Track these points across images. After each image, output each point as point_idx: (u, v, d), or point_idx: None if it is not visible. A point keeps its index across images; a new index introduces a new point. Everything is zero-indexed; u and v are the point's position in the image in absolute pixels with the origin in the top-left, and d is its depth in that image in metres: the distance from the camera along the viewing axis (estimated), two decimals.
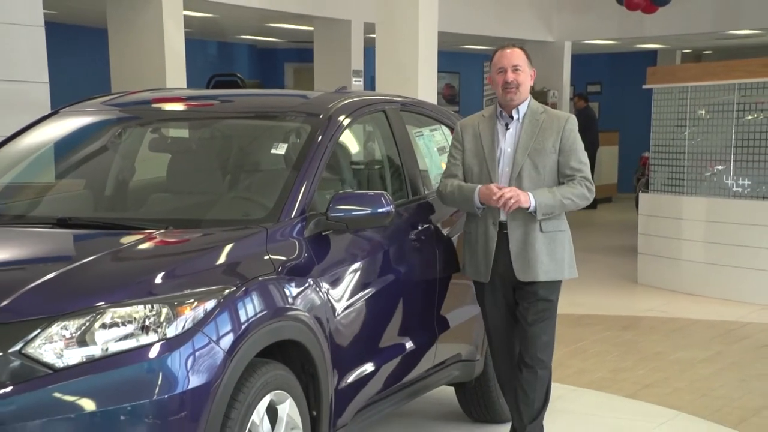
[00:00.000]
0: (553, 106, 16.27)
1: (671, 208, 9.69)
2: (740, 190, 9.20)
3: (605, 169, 18.31)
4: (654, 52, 19.35)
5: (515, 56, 4.48)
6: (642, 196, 10.40)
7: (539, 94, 16.23)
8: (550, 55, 16.51)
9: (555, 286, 4.57)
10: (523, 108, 4.50)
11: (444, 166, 4.82)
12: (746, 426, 5.50)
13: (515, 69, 4.45)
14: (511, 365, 4.67)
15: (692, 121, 9.65)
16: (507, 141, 4.48)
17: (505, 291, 4.57)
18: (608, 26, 15.65)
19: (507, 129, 4.50)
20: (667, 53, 19.36)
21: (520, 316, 4.56)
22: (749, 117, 9.13)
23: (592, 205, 17.27)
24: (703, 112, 9.57)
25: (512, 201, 4.27)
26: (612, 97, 19.80)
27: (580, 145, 4.52)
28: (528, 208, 4.32)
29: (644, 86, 10.22)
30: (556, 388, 6.04)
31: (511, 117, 4.50)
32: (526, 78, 4.48)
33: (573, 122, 4.51)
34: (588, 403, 5.89)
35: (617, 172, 18.85)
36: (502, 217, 4.41)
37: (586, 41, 16.88)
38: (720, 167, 9.37)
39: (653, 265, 9.90)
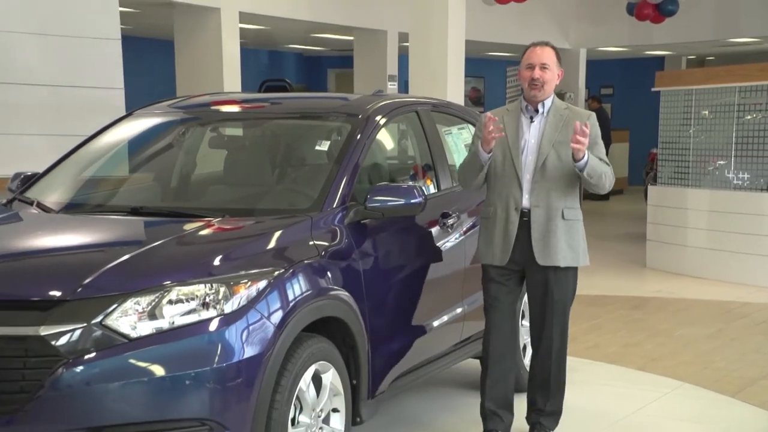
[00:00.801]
0: None
1: (677, 199, 9.63)
2: (740, 182, 9.14)
3: (617, 164, 18.07)
4: (661, 58, 19.17)
5: (545, 55, 4.28)
6: (650, 189, 10.34)
7: (557, 96, 16.11)
8: (567, 60, 16.32)
9: (570, 276, 4.34)
10: (548, 103, 4.31)
11: None
12: (744, 395, 5.47)
13: (543, 67, 4.25)
14: (503, 357, 4.41)
15: (696, 120, 9.57)
16: (531, 133, 4.28)
17: (516, 277, 4.36)
18: (620, 35, 15.53)
19: (532, 122, 4.30)
20: (674, 59, 19.18)
21: (535, 311, 4.39)
22: (748, 117, 9.07)
23: (605, 197, 17.24)
24: (707, 112, 9.51)
25: (582, 144, 4.03)
26: (623, 98, 19.65)
27: (601, 139, 4.35)
28: (582, 158, 4.06)
29: (653, 89, 10.15)
30: (572, 361, 6.02)
31: (537, 111, 4.30)
32: (552, 77, 4.29)
33: (594, 118, 4.33)
34: (601, 375, 5.87)
35: (628, 167, 18.69)
36: (525, 204, 4.22)
37: (600, 48, 16.75)
38: (722, 162, 9.32)
39: (661, 250, 9.84)
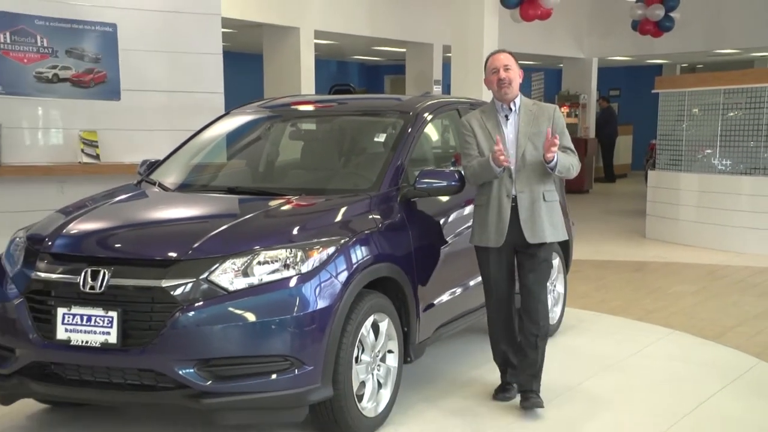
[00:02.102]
0: (584, 106, 15.93)
1: (672, 182, 9.47)
2: (723, 168, 9.00)
3: (623, 152, 17.90)
4: (660, 65, 18.76)
5: (506, 59, 3.99)
6: (650, 173, 10.18)
7: (573, 97, 15.89)
8: (582, 68, 16.15)
9: (552, 248, 4.10)
10: (518, 102, 4.00)
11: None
12: (722, 339, 5.41)
13: (506, 68, 3.95)
14: (506, 323, 4.13)
15: (688, 117, 9.42)
16: (509, 128, 3.99)
17: (508, 256, 4.03)
18: (625, 46, 15.25)
19: (507, 119, 4.01)
20: (670, 66, 18.79)
21: (523, 278, 4.01)
22: (731, 114, 8.94)
23: (612, 179, 17.04)
24: (697, 110, 9.38)
25: (554, 151, 3.79)
26: (628, 99, 19.26)
27: (566, 129, 4.06)
28: (551, 161, 3.83)
29: (653, 91, 9.99)
30: (583, 313, 6.03)
31: (510, 109, 4.01)
32: (515, 75, 3.97)
33: (558, 110, 4.05)
34: (607, 324, 5.81)
35: (632, 155, 18.39)
36: (513, 191, 3.94)
37: (609, 57, 16.46)
38: (709, 151, 9.18)
39: (658, 223, 9.70)
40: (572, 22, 15.19)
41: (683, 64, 19.06)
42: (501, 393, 4.17)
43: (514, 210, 3.95)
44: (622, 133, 17.37)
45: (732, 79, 9.03)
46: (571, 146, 4.05)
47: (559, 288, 5.41)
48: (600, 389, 4.41)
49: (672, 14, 12.65)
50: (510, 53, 4.05)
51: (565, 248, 5.41)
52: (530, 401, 3.96)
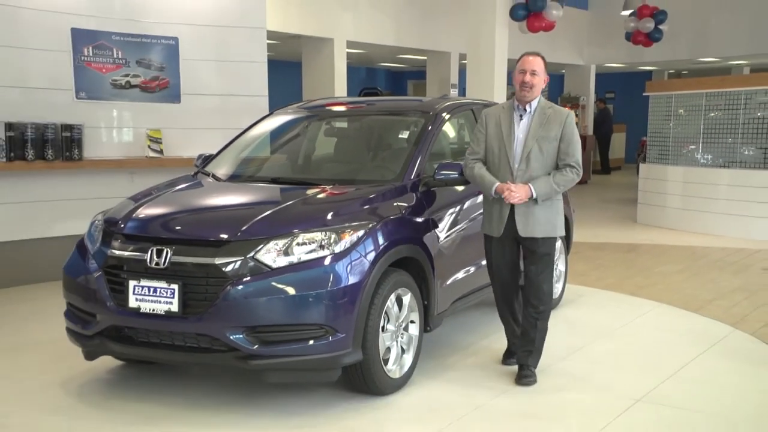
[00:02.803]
0: (583, 107, 15.72)
1: (660, 173, 9.35)
2: (705, 161, 8.88)
3: (617, 148, 17.72)
4: (650, 71, 18.46)
5: (535, 63, 3.74)
6: (641, 166, 10.06)
7: (573, 99, 15.69)
8: (581, 73, 15.97)
9: (552, 242, 3.80)
10: (534, 103, 3.75)
11: None
12: (703, 311, 5.35)
13: (533, 73, 3.71)
14: (508, 302, 3.99)
15: (675, 116, 9.27)
16: (521, 128, 3.74)
17: (510, 245, 3.84)
18: (620, 54, 15.05)
19: (521, 119, 3.76)
20: (659, 72, 18.50)
21: (526, 268, 3.82)
22: (712, 114, 8.82)
23: (608, 172, 16.82)
24: (682, 111, 9.24)
25: (517, 199, 3.66)
26: (622, 101, 19.03)
27: (577, 135, 3.73)
28: (531, 197, 3.66)
29: (644, 94, 9.86)
30: (581, 289, 5.98)
31: (525, 110, 3.77)
32: (539, 81, 3.72)
33: (572, 117, 3.75)
34: (602, 299, 5.75)
35: (625, 150, 18.19)
36: None
37: (606, 64, 16.25)
38: (692, 147, 9.05)
39: (647, 210, 9.58)
40: (573, 33, 15.00)
41: (670, 71, 18.76)
42: (508, 359, 4.14)
43: (513, 205, 3.76)
44: (617, 131, 17.20)
45: (713, 84, 8.93)
46: (575, 154, 3.71)
47: (561, 267, 5.36)
48: (595, 354, 4.37)
49: (661, 27, 12.58)
50: (542, 58, 3.78)
51: (567, 232, 5.35)
52: (522, 380, 3.83)
